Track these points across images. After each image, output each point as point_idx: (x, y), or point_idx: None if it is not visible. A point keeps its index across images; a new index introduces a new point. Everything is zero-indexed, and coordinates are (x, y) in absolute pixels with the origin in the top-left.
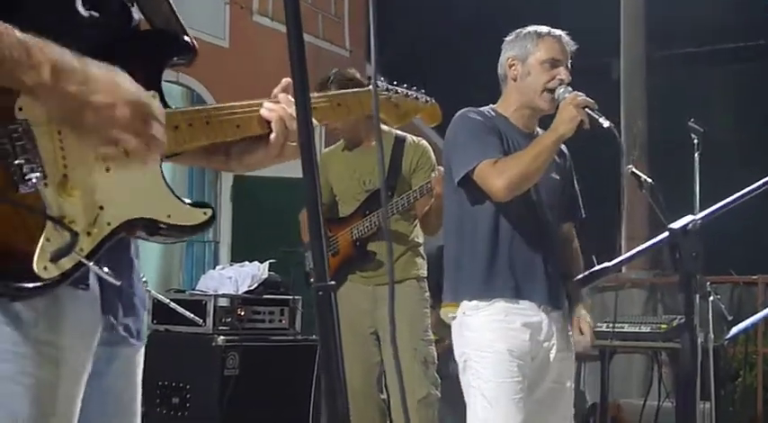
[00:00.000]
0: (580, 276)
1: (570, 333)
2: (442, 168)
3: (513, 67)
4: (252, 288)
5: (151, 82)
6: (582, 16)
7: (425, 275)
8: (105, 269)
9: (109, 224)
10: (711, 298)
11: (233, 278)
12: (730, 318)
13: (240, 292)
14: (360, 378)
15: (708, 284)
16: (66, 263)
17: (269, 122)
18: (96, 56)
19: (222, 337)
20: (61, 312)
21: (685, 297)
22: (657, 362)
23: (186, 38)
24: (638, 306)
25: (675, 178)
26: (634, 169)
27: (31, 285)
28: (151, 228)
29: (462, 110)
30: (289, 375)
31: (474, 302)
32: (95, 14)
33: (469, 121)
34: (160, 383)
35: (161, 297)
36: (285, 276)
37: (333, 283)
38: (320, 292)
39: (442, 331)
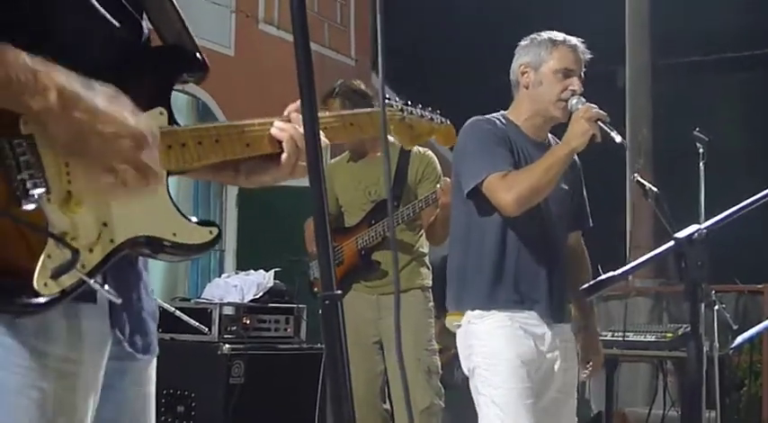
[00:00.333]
0: (586, 285)
1: (576, 346)
2: (448, 179)
3: (526, 75)
4: (257, 296)
5: (160, 98)
6: (587, 23)
7: (430, 285)
8: (106, 286)
9: (112, 241)
10: (717, 307)
11: (238, 286)
12: (735, 327)
13: (245, 301)
14: (363, 387)
15: (713, 293)
16: (67, 280)
17: (279, 142)
18: (108, 70)
19: (227, 346)
20: (69, 326)
21: (691, 306)
22: (663, 371)
23: (198, 55)
24: (643, 315)
25: (680, 186)
26: (639, 178)
27: (31, 302)
28: (156, 246)
29: (473, 118)
30: (294, 384)
31: (477, 312)
32: (110, 30)
33: (480, 130)
34: (165, 392)
35: (166, 305)
36: (290, 285)
37: (339, 292)
38: (327, 302)
39: (446, 341)
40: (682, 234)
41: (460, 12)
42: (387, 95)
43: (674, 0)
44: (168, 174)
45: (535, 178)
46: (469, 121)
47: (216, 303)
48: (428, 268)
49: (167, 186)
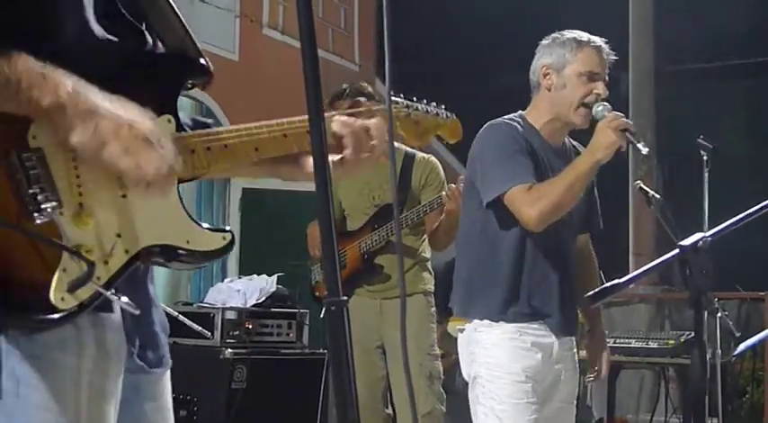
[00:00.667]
0: (591, 293)
1: (577, 353)
2: (453, 186)
3: (548, 77)
4: (260, 301)
5: (167, 105)
6: (590, 28)
7: (432, 290)
8: (124, 298)
9: (127, 252)
10: (719, 314)
11: (241, 291)
12: (738, 334)
13: (248, 306)
14: (365, 392)
15: (715, 301)
16: (84, 293)
17: (289, 145)
18: (112, 80)
19: (230, 350)
20: (88, 338)
21: (695, 314)
22: (665, 378)
23: (202, 60)
24: (645, 321)
25: (683, 193)
26: (642, 185)
27: (48, 317)
28: (170, 254)
29: (492, 122)
30: (296, 389)
31: (486, 321)
32: (111, 38)
33: (500, 136)
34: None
35: (169, 310)
36: (292, 290)
37: (345, 298)
38: (333, 307)
39: (448, 346)
40: (686, 242)
41: (461, 15)
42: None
43: (678, 6)
44: (179, 182)
45: (560, 194)
46: (489, 124)
47: (218, 308)
48: (431, 273)
49: (179, 193)
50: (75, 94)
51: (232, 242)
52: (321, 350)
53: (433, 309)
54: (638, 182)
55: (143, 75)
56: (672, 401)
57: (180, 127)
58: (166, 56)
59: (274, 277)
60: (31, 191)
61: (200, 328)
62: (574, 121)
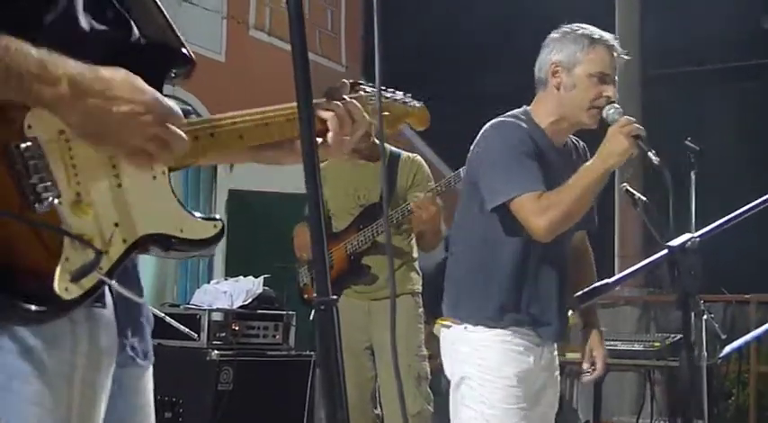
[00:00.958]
0: (580, 293)
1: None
2: (420, 195)
3: (557, 75)
4: (246, 303)
5: None
6: None
7: (420, 291)
8: (140, 301)
9: (125, 241)
10: (705, 317)
11: (228, 292)
12: (724, 337)
13: (235, 307)
14: (354, 393)
15: (701, 303)
16: (88, 282)
17: (271, 133)
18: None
19: (216, 352)
20: (82, 332)
21: (683, 315)
22: (650, 380)
23: (184, 50)
24: (630, 324)
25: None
26: (628, 187)
27: (52, 308)
28: (165, 243)
29: (499, 120)
30: (282, 390)
31: (480, 328)
32: (98, 27)
33: (508, 137)
34: (153, 398)
35: (155, 311)
36: (279, 291)
37: (335, 297)
38: (322, 307)
39: (435, 347)
40: (675, 242)
41: (460, 22)
42: (361, 82)
43: (663, 11)
44: (169, 170)
45: (570, 202)
46: (495, 123)
47: (205, 309)
48: (418, 273)
49: (170, 182)
50: (76, 85)
51: (223, 230)
52: (308, 352)
53: (421, 309)
54: (625, 184)
55: (130, 64)
56: (658, 404)
57: None
58: (150, 46)
59: (261, 279)
60: (30, 181)
61: (187, 330)
62: (584, 123)
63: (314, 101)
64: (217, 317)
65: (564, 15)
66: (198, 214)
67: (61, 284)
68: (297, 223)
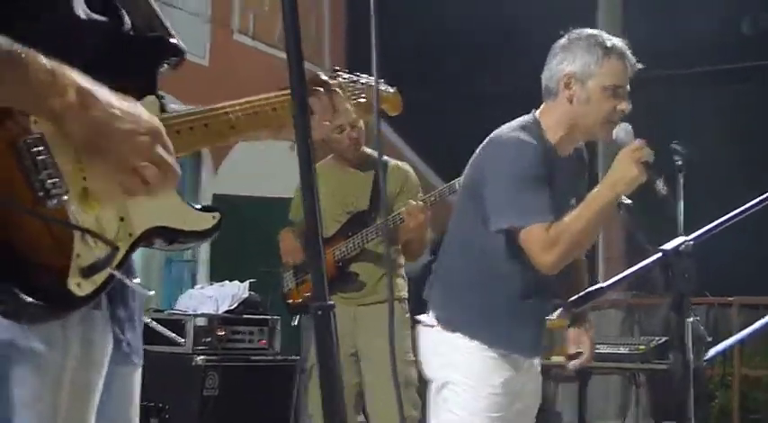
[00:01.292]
0: (573, 298)
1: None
2: (413, 202)
3: (570, 87)
4: (232, 308)
5: (148, 86)
6: (556, 36)
7: (407, 297)
8: (137, 280)
9: (131, 235)
10: (691, 319)
11: (213, 297)
12: (710, 339)
13: (220, 312)
14: None
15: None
16: (99, 278)
17: (260, 122)
18: (95, 61)
19: (201, 357)
20: (75, 335)
21: (677, 317)
22: (635, 383)
23: (174, 40)
24: (614, 326)
25: (657, 199)
26: None
27: (64, 304)
28: (169, 235)
29: (509, 135)
30: (268, 395)
31: (467, 337)
32: (95, 17)
33: (519, 157)
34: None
35: None
36: (264, 296)
37: (332, 302)
38: (319, 312)
39: None
40: (668, 246)
41: (453, 25)
42: (337, 67)
43: (646, 14)
44: None
45: (578, 235)
46: (506, 139)
47: (190, 315)
48: (404, 279)
49: None
50: (83, 97)
51: (220, 221)
52: (293, 357)
53: (408, 315)
54: None
55: (125, 54)
56: (642, 407)
57: (163, 107)
58: (140, 37)
59: (246, 283)
60: (39, 177)
61: (173, 335)
62: (599, 137)
63: (255, 98)
64: (202, 322)
65: (546, 21)
66: (197, 206)
67: (73, 281)
68: (282, 228)
